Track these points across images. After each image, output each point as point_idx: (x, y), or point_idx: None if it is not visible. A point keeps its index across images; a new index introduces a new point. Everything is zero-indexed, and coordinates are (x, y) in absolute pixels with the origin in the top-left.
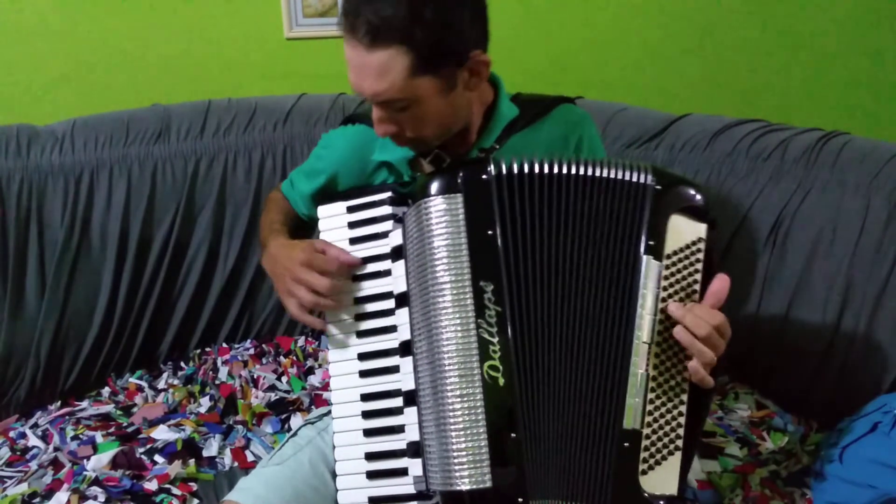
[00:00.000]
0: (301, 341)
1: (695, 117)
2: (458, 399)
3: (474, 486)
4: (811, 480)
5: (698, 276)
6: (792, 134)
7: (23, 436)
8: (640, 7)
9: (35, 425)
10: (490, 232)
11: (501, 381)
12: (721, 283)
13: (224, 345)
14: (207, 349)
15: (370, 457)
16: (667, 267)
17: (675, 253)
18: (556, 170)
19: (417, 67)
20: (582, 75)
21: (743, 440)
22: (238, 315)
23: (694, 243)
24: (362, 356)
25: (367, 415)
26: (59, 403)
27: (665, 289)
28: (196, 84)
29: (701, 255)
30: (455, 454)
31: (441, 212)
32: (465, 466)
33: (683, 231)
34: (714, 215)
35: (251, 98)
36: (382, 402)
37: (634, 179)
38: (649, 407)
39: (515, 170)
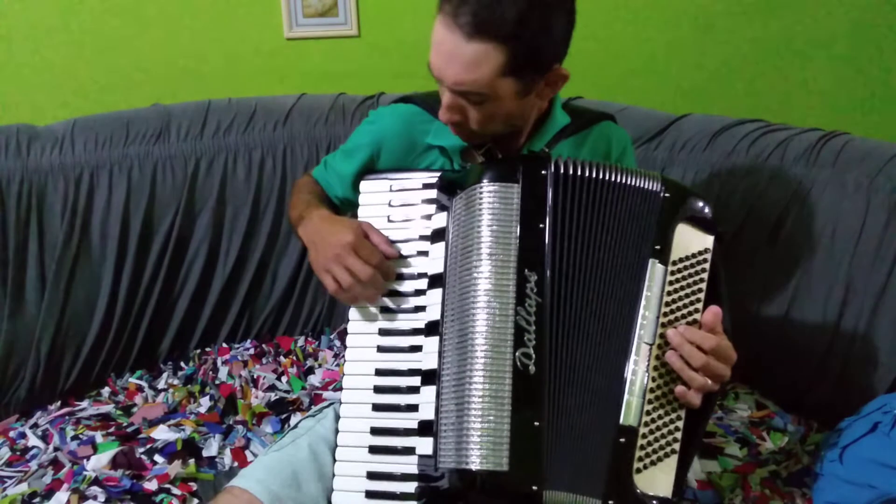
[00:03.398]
0: (301, 341)
1: (695, 117)
2: (487, 380)
3: (489, 468)
4: (811, 480)
5: (703, 286)
6: (792, 134)
7: (23, 436)
8: (640, 7)
9: (35, 425)
10: (541, 225)
11: (532, 370)
12: (711, 315)
13: (224, 345)
14: (207, 349)
15: (375, 432)
16: (671, 273)
17: (680, 260)
18: (595, 174)
19: (507, 69)
20: (582, 75)
21: (743, 440)
22: (238, 315)
23: (700, 253)
24: (384, 332)
25: (378, 390)
26: (59, 403)
27: (669, 293)
28: (196, 84)
29: (706, 266)
30: (475, 433)
31: (495, 198)
32: (484, 446)
33: (690, 240)
34: (721, 230)
35: (251, 98)
36: (397, 380)
37: (645, 186)
38: (648, 407)
39: (571, 170)
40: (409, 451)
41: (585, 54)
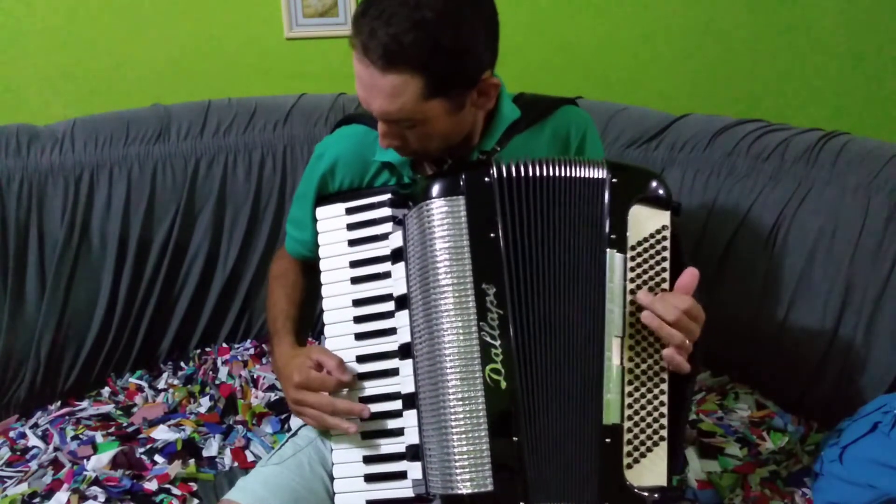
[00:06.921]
0: None
1: (695, 117)
2: (460, 402)
3: (476, 490)
4: (811, 480)
5: (666, 265)
6: (792, 134)
7: (23, 436)
8: (641, 7)
9: (35, 425)
10: (492, 234)
11: (503, 385)
12: (690, 277)
13: (224, 345)
14: (207, 349)
15: (368, 460)
16: (632, 258)
17: (639, 244)
18: (540, 171)
19: (430, 91)
20: (582, 75)
21: (743, 440)
22: (238, 315)
23: (658, 231)
24: (361, 359)
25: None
26: (59, 403)
27: (633, 280)
28: (196, 84)
29: (667, 243)
30: (456, 458)
31: (443, 214)
32: (467, 470)
33: (646, 221)
34: (677, 201)
35: (251, 98)
36: (381, 405)
37: (590, 175)
38: (629, 400)
39: (515, 172)
40: (402, 475)
41: (585, 54)
